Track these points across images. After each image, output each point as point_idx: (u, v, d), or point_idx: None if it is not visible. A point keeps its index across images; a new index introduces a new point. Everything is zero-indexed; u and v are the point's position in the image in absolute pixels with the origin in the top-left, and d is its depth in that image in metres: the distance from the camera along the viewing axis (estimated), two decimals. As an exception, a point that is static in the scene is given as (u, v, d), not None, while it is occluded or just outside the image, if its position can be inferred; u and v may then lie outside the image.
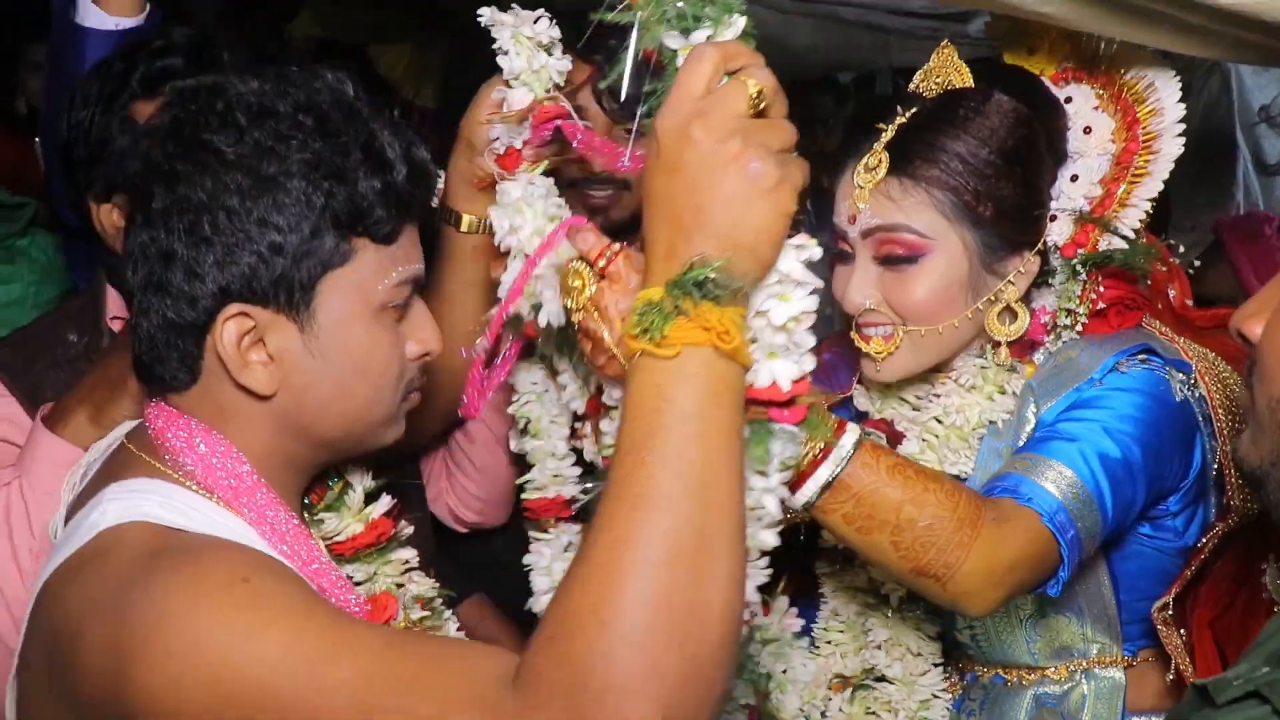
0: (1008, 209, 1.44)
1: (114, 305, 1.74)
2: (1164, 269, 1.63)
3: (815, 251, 0.95)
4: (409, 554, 1.38)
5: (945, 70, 1.53)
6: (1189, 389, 1.50)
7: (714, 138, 0.89)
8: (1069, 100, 1.59)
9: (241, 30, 4.20)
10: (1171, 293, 1.65)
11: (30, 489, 1.43)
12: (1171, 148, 1.55)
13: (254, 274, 1.10)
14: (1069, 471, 1.37)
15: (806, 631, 1.61)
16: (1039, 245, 1.50)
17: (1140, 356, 1.49)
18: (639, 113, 0.98)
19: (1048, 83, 1.60)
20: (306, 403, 1.15)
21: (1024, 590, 1.38)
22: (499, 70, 1.39)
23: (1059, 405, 1.47)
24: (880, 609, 1.61)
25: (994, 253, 1.46)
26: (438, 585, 1.41)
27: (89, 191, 1.68)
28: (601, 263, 1.05)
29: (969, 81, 1.50)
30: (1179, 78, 1.57)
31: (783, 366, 0.94)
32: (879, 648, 1.61)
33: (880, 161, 1.44)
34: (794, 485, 1.26)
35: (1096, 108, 1.58)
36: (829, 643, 1.63)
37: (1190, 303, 1.66)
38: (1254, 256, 3.30)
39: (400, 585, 1.37)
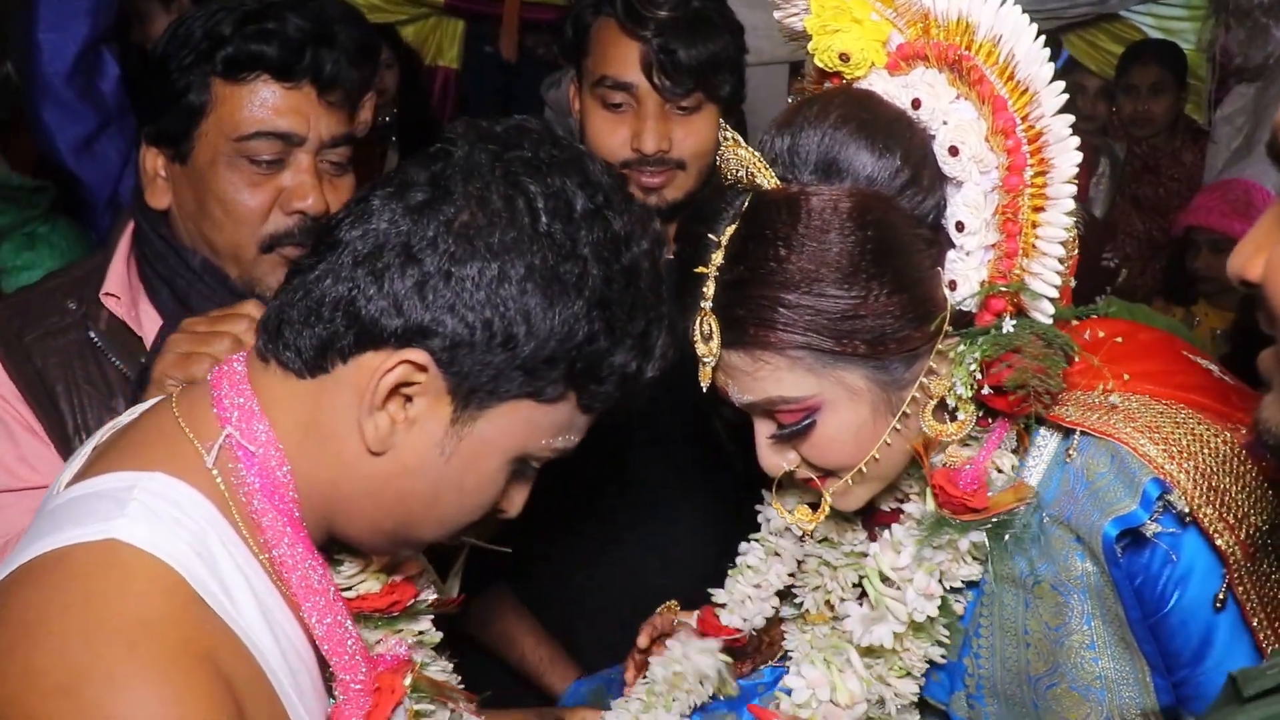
0: (885, 329, 1.16)
1: (113, 280, 1.58)
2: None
3: None
4: (423, 627, 1.24)
5: (739, 169, 1.20)
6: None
7: None
8: (916, 105, 1.19)
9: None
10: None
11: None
12: (1063, 154, 1.14)
13: (468, 346, 0.99)
14: None
15: None
16: (943, 325, 1.19)
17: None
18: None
19: (884, 86, 1.21)
20: (397, 484, 1.04)
21: None
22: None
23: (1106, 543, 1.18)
24: None
25: (891, 371, 1.20)
26: (450, 668, 1.27)
27: (145, 128, 1.58)
28: None
29: (771, 180, 1.18)
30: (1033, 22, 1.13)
31: None
32: None
33: (711, 330, 1.20)
34: None
35: (958, 98, 1.18)
36: None
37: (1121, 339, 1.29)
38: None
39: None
